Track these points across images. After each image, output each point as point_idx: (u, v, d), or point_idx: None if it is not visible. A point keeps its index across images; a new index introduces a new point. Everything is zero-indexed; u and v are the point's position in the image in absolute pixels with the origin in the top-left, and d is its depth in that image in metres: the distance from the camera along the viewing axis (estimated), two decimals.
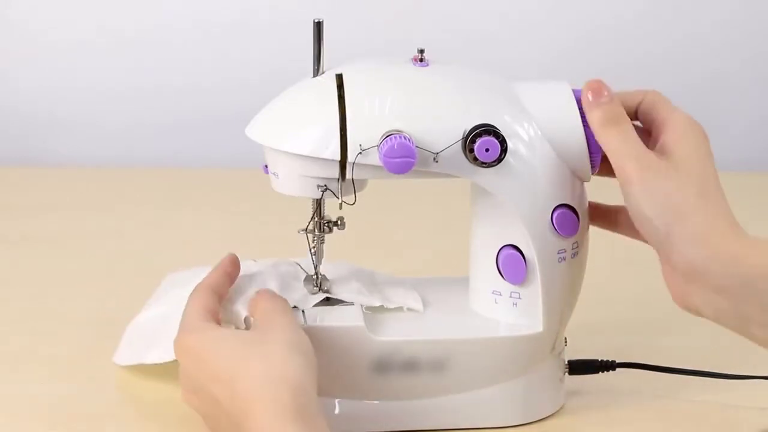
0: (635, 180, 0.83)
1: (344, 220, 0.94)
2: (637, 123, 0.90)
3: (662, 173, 0.83)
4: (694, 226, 0.81)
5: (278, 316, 0.86)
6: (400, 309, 0.94)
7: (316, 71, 0.90)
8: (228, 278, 0.92)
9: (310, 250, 0.94)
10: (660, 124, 0.87)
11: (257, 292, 0.91)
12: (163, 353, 0.96)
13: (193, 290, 0.90)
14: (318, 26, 0.88)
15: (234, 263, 0.94)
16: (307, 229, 0.94)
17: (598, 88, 0.87)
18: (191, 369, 0.84)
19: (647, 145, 0.86)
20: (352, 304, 0.93)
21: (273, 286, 0.93)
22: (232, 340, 0.84)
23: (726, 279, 0.81)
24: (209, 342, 0.84)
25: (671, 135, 0.86)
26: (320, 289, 0.94)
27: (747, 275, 0.80)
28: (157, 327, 0.99)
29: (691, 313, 0.84)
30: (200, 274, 1.03)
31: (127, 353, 1.00)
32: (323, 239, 0.94)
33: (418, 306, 0.94)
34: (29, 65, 1.68)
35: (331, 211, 0.94)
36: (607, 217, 0.94)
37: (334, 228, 0.94)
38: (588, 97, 0.87)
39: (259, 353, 0.81)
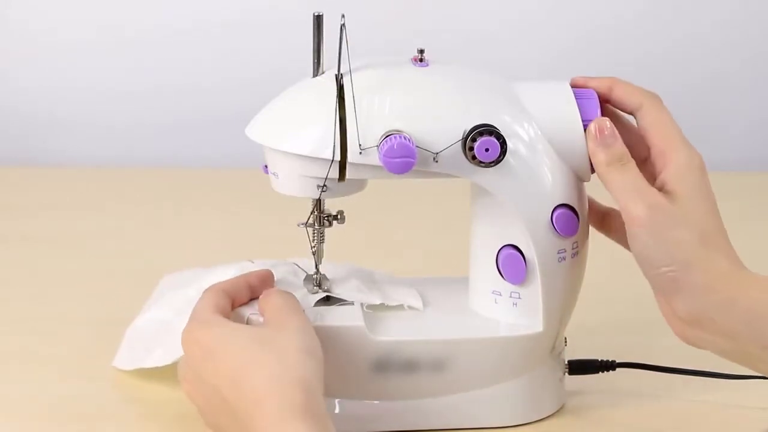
0: (644, 223, 0.84)
1: (344, 214, 0.94)
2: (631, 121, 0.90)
3: (669, 218, 0.84)
4: (697, 277, 0.83)
5: (292, 316, 0.86)
6: (400, 307, 0.94)
7: (316, 66, 0.90)
8: (248, 289, 0.91)
9: (311, 245, 0.94)
10: (659, 154, 0.87)
11: (267, 290, 0.91)
12: (162, 356, 0.96)
13: (207, 289, 0.90)
14: (318, 20, 0.88)
15: (263, 279, 0.93)
16: (306, 223, 0.94)
17: (602, 126, 0.87)
18: (197, 362, 0.84)
19: (645, 164, 0.88)
20: (352, 303, 0.93)
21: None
22: (244, 337, 0.83)
23: (726, 323, 0.83)
24: (220, 337, 0.83)
25: (672, 173, 0.86)
26: (320, 288, 0.94)
27: (747, 317, 0.82)
28: (155, 331, 0.99)
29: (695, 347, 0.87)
30: (198, 274, 1.03)
31: (127, 358, 1.00)
32: (323, 238, 0.94)
33: (418, 304, 0.94)
34: (29, 65, 1.68)
35: (331, 205, 0.94)
36: (601, 219, 0.94)
37: (334, 222, 0.94)
38: (593, 134, 0.87)
39: (272, 353, 0.81)
